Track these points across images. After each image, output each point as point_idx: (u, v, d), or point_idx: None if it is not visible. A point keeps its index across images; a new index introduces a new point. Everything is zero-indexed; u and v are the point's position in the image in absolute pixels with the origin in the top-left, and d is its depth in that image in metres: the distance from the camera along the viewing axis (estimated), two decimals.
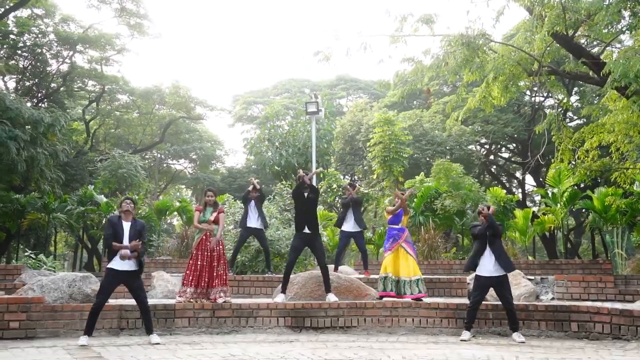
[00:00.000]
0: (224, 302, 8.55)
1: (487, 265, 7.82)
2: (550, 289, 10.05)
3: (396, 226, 9.35)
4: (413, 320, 8.56)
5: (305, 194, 9.19)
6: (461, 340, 7.70)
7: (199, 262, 8.64)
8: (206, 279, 8.65)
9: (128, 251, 7.23)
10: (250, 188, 11.55)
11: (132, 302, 7.91)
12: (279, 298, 8.92)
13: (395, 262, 9.09)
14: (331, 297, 8.84)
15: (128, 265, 7.35)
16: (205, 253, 8.70)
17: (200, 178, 37.93)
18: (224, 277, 8.78)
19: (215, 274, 8.67)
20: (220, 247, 8.87)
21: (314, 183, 10.74)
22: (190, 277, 8.62)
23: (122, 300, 8.82)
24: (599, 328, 7.77)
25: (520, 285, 9.76)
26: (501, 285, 7.82)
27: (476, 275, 7.96)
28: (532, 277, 10.37)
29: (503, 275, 7.82)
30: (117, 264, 7.30)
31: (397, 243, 9.16)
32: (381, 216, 22.27)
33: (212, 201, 9.04)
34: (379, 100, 34.92)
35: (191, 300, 8.50)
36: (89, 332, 7.20)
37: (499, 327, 8.25)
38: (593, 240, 32.22)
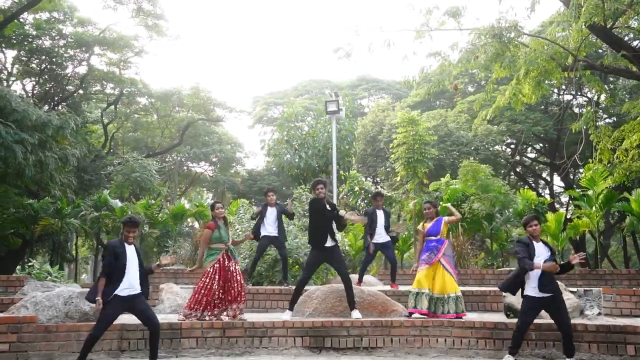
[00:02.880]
0: (239, 320, 7.79)
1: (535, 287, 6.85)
2: (596, 302, 9.07)
3: (434, 237, 8.31)
4: (445, 340, 7.69)
5: (326, 210, 8.33)
6: None
7: (214, 287, 7.87)
8: (217, 301, 7.89)
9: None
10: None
11: (134, 321, 7.15)
12: (286, 315, 8.15)
13: (430, 277, 8.15)
14: (355, 314, 8.01)
15: (134, 290, 6.55)
16: (221, 277, 7.91)
17: (221, 181, 37.40)
18: (242, 294, 8.01)
19: (232, 293, 7.90)
20: (237, 266, 8.10)
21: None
22: (202, 301, 7.86)
23: (123, 318, 8.07)
24: None
25: None
26: (556, 304, 6.86)
27: (525, 295, 6.95)
28: (575, 289, 9.41)
29: (557, 294, 6.85)
30: (122, 290, 6.50)
31: (436, 258, 8.16)
32: (405, 219, 21.41)
33: (223, 214, 8.22)
34: (402, 100, 34.04)
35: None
36: None
37: (543, 349, 7.34)
38: (625, 242, 31.01)
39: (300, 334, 7.74)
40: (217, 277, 7.89)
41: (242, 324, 7.71)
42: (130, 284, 6.48)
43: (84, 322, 7.17)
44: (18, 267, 19.41)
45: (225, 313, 7.87)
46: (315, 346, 7.69)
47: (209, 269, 7.95)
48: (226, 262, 7.98)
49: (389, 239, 10.51)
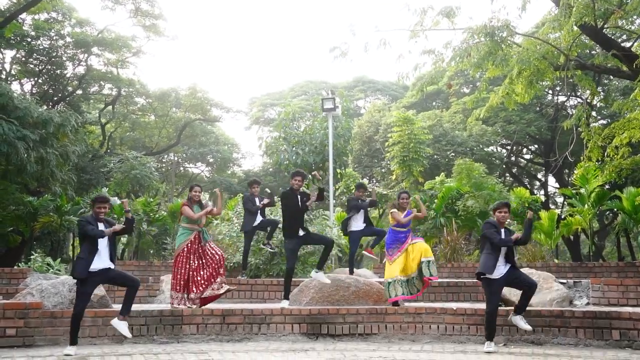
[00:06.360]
0: (226, 290, 8.12)
1: (500, 267, 7.13)
2: (585, 293, 9.37)
3: (404, 229, 8.59)
4: (438, 327, 7.95)
5: (300, 200, 8.61)
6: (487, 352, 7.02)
7: (191, 265, 8.06)
8: (203, 281, 8.10)
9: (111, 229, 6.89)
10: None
11: (136, 307, 7.42)
12: (284, 303, 8.41)
13: (401, 264, 8.41)
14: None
15: (103, 264, 6.82)
16: (195, 256, 8.12)
17: (217, 181, 37.53)
18: (219, 271, 8.18)
19: (209, 272, 8.11)
20: (214, 248, 8.33)
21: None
22: (181, 282, 8.05)
23: None
24: None
25: (552, 290, 9.09)
26: (515, 274, 7.17)
27: (488, 279, 7.14)
28: (565, 281, 9.71)
29: (511, 267, 7.15)
30: (95, 266, 6.77)
31: (403, 246, 8.46)
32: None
33: (199, 198, 8.45)
34: (397, 101, 34.31)
35: (185, 305, 7.99)
36: (74, 341, 6.69)
37: (532, 334, 7.60)
38: (618, 242, 31.29)
39: (297, 321, 7.99)
40: (190, 256, 8.07)
41: (242, 311, 7.95)
42: (101, 259, 6.80)
43: (88, 309, 7.36)
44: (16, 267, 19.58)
45: (210, 287, 8.08)
46: (312, 333, 7.94)
47: (179, 254, 8.12)
48: (197, 244, 8.14)
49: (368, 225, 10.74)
